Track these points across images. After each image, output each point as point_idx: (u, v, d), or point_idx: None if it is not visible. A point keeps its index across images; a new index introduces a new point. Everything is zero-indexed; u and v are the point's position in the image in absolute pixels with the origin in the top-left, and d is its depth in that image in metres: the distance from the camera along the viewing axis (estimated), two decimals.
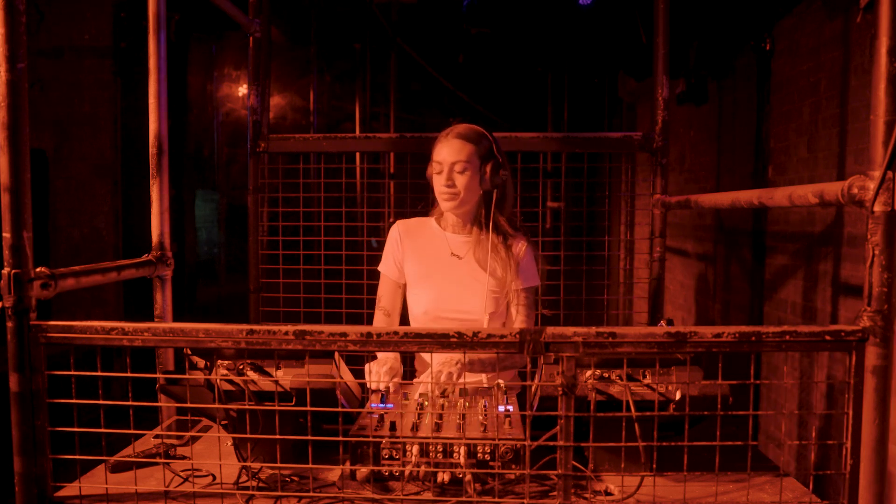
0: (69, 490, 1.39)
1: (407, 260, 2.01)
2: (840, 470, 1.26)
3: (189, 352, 1.45)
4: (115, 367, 4.53)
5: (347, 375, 1.63)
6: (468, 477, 1.36)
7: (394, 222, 2.10)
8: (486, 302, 1.94)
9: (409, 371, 2.64)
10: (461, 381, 1.72)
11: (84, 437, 1.33)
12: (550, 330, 1.22)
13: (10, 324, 1.29)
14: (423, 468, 1.39)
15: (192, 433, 1.76)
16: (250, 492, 1.39)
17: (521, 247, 2.00)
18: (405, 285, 2.04)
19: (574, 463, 1.25)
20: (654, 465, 1.37)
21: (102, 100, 5.26)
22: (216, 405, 1.43)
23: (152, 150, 1.94)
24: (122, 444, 1.60)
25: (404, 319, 2.08)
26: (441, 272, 1.98)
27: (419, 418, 1.49)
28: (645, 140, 2.51)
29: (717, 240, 4.35)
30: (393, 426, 1.42)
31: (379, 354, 1.83)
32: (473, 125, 1.95)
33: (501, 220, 1.97)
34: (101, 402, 1.30)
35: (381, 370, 1.73)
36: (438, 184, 1.92)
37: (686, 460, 1.30)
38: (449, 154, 1.89)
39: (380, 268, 2.06)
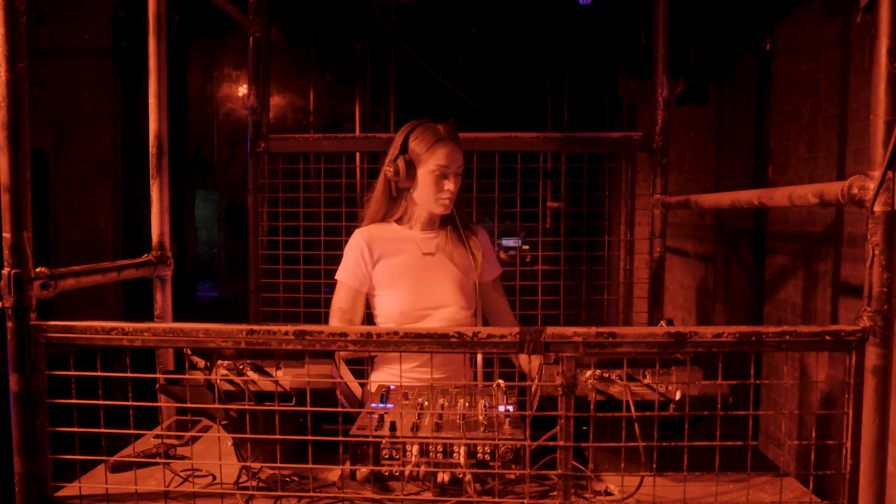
0: (69, 490, 1.39)
1: (378, 266, 1.96)
2: (840, 470, 1.26)
3: (189, 352, 1.45)
4: (114, 367, 4.53)
5: (347, 375, 1.63)
6: (468, 477, 1.36)
7: (354, 234, 2.01)
8: (461, 295, 1.97)
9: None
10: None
11: (84, 437, 1.33)
12: (550, 330, 1.22)
13: (10, 324, 1.29)
14: (423, 468, 1.39)
15: (192, 433, 1.76)
16: (250, 492, 1.39)
17: (484, 237, 2.08)
18: (366, 293, 1.99)
19: (574, 463, 1.25)
20: (654, 465, 1.37)
21: (102, 100, 5.26)
22: (216, 405, 1.43)
23: (152, 150, 1.94)
24: (122, 444, 1.60)
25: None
26: (415, 271, 1.95)
27: (419, 418, 1.49)
28: (645, 140, 2.51)
29: (717, 240, 4.35)
30: (393, 426, 1.42)
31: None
32: (450, 124, 1.94)
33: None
34: (101, 402, 1.30)
35: None
36: (439, 188, 1.90)
37: (686, 460, 1.30)
38: (455, 159, 1.90)
39: (338, 277, 1.97)
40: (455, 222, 2.00)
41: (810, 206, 1.84)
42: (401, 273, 1.95)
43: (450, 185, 1.89)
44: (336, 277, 1.99)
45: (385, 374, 1.99)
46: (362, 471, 1.43)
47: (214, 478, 1.49)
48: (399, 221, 2.01)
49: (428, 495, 1.36)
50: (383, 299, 1.97)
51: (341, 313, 1.96)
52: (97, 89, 5.25)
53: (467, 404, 1.59)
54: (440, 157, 1.88)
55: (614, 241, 5.80)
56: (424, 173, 1.90)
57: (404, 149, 1.91)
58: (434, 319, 1.93)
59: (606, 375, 1.42)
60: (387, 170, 1.93)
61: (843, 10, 2.77)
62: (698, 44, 3.84)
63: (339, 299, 1.97)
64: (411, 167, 1.90)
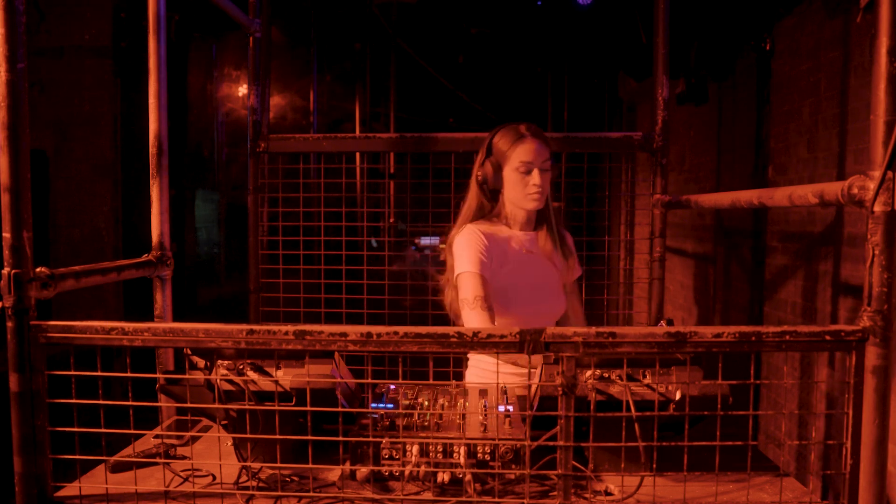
0: (69, 490, 1.39)
1: (494, 261, 1.91)
2: (840, 470, 1.26)
3: (189, 352, 1.45)
4: (114, 367, 4.52)
5: (347, 375, 1.63)
6: (468, 477, 1.36)
7: (466, 229, 1.95)
8: (561, 295, 2.04)
9: (411, 372, 2.64)
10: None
11: (84, 437, 1.33)
12: (550, 330, 1.22)
13: (10, 324, 1.29)
14: (423, 468, 1.39)
15: (192, 433, 1.76)
16: (250, 492, 1.39)
17: (570, 237, 2.15)
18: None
19: (574, 463, 1.25)
20: (654, 465, 1.37)
21: (102, 100, 5.26)
22: (216, 405, 1.43)
23: (152, 150, 1.94)
24: (122, 444, 1.60)
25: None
26: (524, 271, 1.95)
27: (419, 418, 1.49)
28: (645, 140, 2.51)
29: (717, 240, 4.35)
30: (393, 426, 1.42)
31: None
32: (532, 124, 1.98)
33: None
34: (101, 402, 1.30)
35: None
36: (525, 184, 1.91)
37: (686, 460, 1.30)
38: (537, 154, 1.91)
39: (471, 269, 1.84)
40: (551, 223, 2.04)
41: (810, 206, 1.84)
42: (511, 270, 1.93)
43: (535, 180, 1.91)
44: (461, 271, 1.86)
45: (480, 376, 1.99)
46: (362, 471, 1.43)
47: (214, 478, 1.49)
48: (497, 220, 2.00)
49: (428, 495, 1.36)
50: (496, 297, 1.91)
51: (481, 301, 1.82)
52: (97, 89, 5.25)
53: (467, 404, 1.59)
54: (521, 154, 1.90)
55: (614, 241, 5.80)
56: (509, 172, 1.92)
57: (490, 152, 1.95)
58: (548, 320, 2.00)
59: (606, 375, 1.42)
60: (477, 175, 1.98)
61: (843, 10, 2.77)
62: (698, 44, 3.84)
63: (475, 287, 1.82)
64: (498, 168, 1.93)
